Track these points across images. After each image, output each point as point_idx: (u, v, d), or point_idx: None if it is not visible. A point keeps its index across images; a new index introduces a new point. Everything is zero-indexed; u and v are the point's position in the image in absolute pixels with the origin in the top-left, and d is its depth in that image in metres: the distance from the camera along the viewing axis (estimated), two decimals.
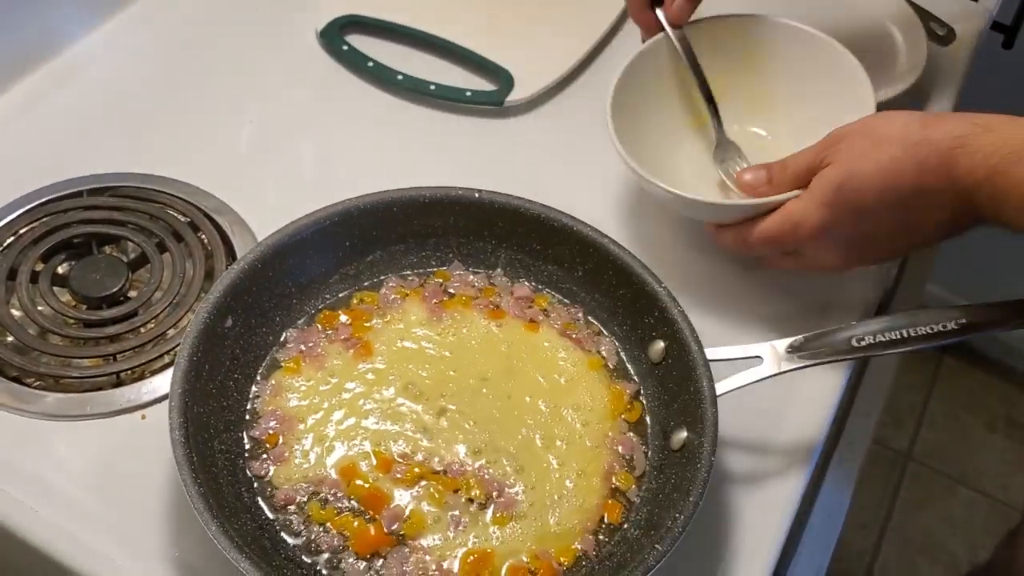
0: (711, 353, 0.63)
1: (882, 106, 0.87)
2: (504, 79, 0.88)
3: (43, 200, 0.76)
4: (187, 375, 0.59)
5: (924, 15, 0.98)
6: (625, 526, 0.61)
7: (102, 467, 0.64)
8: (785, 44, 0.79)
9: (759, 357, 0.64)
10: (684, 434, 0.62)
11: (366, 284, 0.71)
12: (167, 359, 0.69)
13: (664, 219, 0.80)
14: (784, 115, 0.81)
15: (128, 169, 0.80)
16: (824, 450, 0.72)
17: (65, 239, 0.74)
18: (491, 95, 0.87)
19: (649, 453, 0.65)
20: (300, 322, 0.68)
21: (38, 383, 0.67)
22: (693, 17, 0.78)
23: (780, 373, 0.64)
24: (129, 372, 0.68)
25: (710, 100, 0.78)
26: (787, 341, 0.65)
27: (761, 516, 0.66)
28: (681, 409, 0.64)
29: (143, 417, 0.66)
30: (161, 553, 0.60)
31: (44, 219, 0.75)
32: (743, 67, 0.80)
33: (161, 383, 0.67)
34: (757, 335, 0.72)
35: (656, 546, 0.56)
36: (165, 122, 0.84)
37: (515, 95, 0.87)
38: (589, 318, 0.70)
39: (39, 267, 0.72)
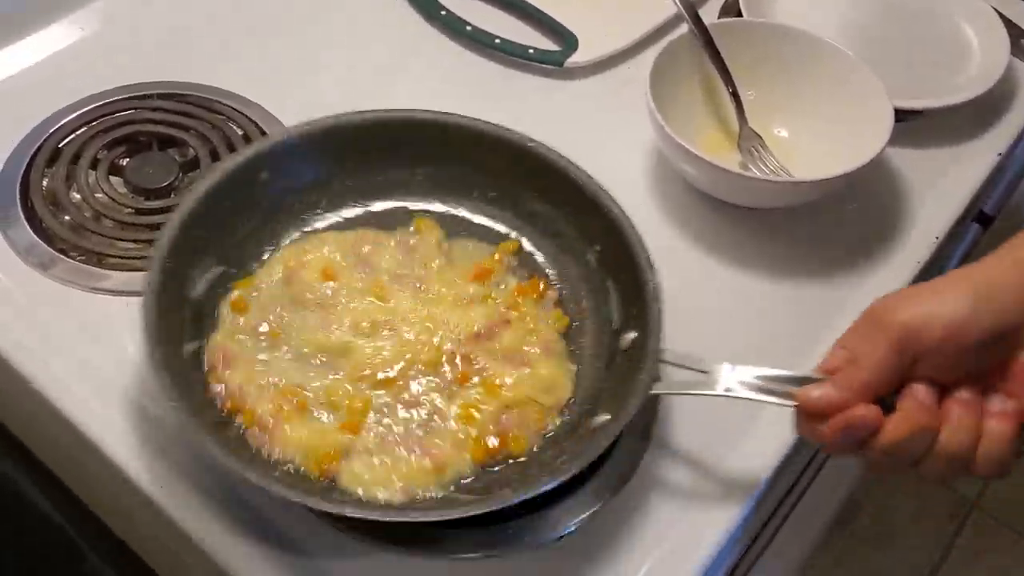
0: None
1: (946, 111, 0.85)
2: (568, 41, 0.90)
3: (118, 98, 0.82)
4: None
5: (1016, 31, 0.95)
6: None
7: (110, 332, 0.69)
8: (809, 55, 0.83)
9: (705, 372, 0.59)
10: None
11: None
12: None
13: (692, 208, 0.81)
14: (806, 120, 0.83)
15: (203, 82, 0.85)
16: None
17: (130, 134, 0.79)
18: (553, 55, 0.89)
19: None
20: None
21: (81, 257, 0.73)
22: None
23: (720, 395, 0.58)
24: None
25: (733, 92, 0.82)
26: (743, 371, 0.58)
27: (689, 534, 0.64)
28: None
29: None
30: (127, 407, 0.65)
31: (115, 114, 0.81)
32: (768, 71, 0.84)
33: None
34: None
35: None
36: (242, 41, 0.90)
37: (576, 58, 0.89)
38: None
39: (101, 155, 0.78)
